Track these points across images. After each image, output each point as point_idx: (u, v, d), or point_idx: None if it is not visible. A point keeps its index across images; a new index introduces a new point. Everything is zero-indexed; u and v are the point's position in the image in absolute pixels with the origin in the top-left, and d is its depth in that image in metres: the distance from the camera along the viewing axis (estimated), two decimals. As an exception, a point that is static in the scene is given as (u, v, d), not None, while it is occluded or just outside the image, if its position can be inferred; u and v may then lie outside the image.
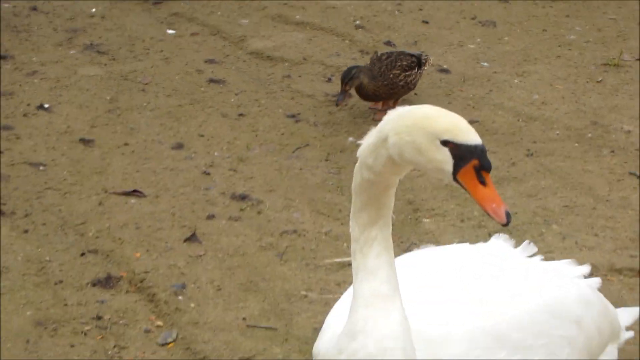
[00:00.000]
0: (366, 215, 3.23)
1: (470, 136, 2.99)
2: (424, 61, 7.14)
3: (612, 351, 3.99)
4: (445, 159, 2.99)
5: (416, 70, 7.01)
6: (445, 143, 2.98)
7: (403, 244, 5.52)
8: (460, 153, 2.98)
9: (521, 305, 3.56)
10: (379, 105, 7.11)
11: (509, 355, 3.44)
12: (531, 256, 4.01)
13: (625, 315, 4.16)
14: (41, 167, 6.24)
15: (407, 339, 3.20)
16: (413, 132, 3.00)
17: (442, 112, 3.05)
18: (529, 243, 4.03)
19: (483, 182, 3.00)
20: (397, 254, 3.40)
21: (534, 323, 3.54)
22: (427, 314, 3.44)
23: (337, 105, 6.91)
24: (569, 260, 4.13)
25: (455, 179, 3.01)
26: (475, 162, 2.98)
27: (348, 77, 6.73)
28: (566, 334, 3.60)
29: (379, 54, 7.11)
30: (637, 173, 6.36)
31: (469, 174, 3.00)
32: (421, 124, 3.01)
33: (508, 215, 2.99)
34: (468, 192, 3.02)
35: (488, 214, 3.01)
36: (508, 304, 3.54)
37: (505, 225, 3.02)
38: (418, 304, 3.44)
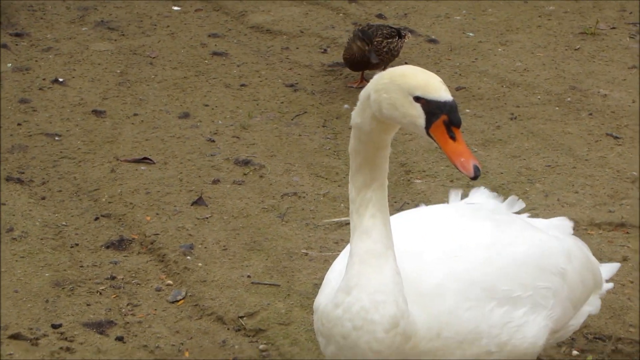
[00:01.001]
0: (362, 177, 3.24)
1: (440, 93, 3.02)
2: (403, 34, 7.04)
3: (594, 301, 3.95)
4: (418, 113, 3.03)
5: (397, 39, 6.90)
6: (417, 99, 3.02)
7: (397, 203, 5.46)
8: (431, 109, 3.01)
9: (508, 259, 3.51)
10: (355, 83, 6.95)
11: (498, 305, 3.41)
12: (518, 212, 3.95)
13: (606, 270, 4.11)
14: (56, 138, 6.18)
15: (399, 292, 3.19)
16: (390, 89, 3.05)
17: (417, 71, 3.07)
18: (516, 199, 3.97)
19: (453, 137, 3.02)
20: (390, 214, 3.36)
21: (521, 275, 3.49)
22: (420, 269, 3.40)
23: (374, 62, 6.65)
24: (560, 217, 4.07)
25: (428, 133, 3.04)
26: (444, 117, 3.00)
27: (369, 36, 6.64)
28: (551, 285, 3.56)
29: (361, 27, 7.00)
30: (614, 134, 6.30)
31: (439, 129, 3.03)
32: (397, 81, 3.05)
33: (476, 169, 3.02)
34: (439, 146, 3.04)
35: (457, 168, 3.04)
36: (496, 258, 3.49)
37: (474, 179, 3.04)
38: (412, 260, 3.41)
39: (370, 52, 6.60)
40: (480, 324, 3.34)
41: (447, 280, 3.36)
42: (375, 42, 6.70)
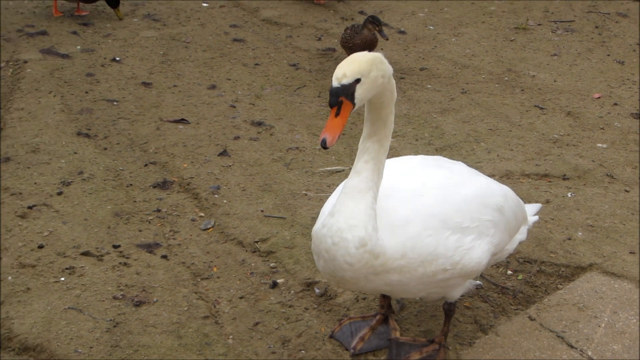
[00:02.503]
0: (365, 130, 3.25)
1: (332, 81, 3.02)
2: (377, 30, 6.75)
3: (523, 230, 3.95)
4: None
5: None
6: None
7: (374, 156, 5.42)
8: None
9: (461, 197, 3.48)
10: None
11: (452, 234, 3.39)
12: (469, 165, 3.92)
13: (532, 208, 4.11)
14: (115, 103, 6.09)
15: (369, 221, 3.17)
16: None
17: (344, 61, 3.05)
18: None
19: (336, 114, 3.02)
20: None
21: (470, 210, 3.47)
22: (393, 205, 3.37)
23: (386, 39, 6.44)
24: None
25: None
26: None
27: (378, 20, 6.40)
28: (492, 218, 3.54)
29: (350, 25, 6.76)
30: (540, 105, 6.25)
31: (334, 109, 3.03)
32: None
33: (323, 141, 2.99)
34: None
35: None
36: (451, 196, 3.46)
37: (324, 148, 3.00)
38: (387, 198, 3.39)
39: (381, 31, 6.37)
40: (437, 247, 3.32)
41: (413, 214, 3.33)
42: (366, 32, 6.46)
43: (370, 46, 6.43)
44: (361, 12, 8.01)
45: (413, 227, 3.30)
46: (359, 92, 3.02)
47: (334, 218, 3.19)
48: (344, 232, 3.16)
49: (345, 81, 2.99)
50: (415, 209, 3.34)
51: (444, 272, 3.37)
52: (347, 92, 2.99)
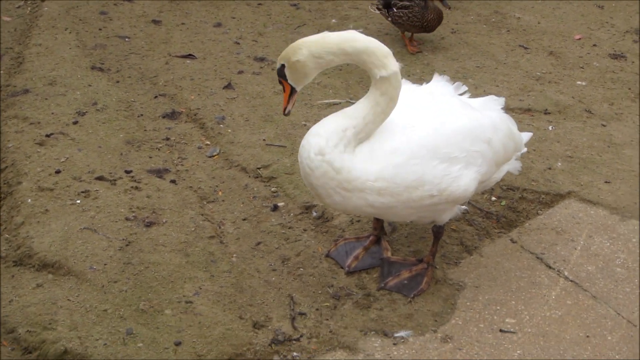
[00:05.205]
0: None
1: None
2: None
3: (513, 162, 3.81)
4: None
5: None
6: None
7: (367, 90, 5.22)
8: None
9: (450, 129, 3.36)
10: (415, 48, 5.82)
11: (440, 163, 3.29)
12: (461, 94, 3.75)
13: (525, 136, 3.94)
14: (126, 39, 5.86)
15: (332, 136, 3.17)
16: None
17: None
18: (461, 84, 3.76)
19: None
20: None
21: (458, 141, 3.35)
22: (387, 135, 3.27)
23: (449, 8, 5.66)
24: (491, 95, 3.85)
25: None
26: None
27: None
28: (479, 149, 3.43)
29: (402, 5, 5.72)
30: (524, 45, 6.04)
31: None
32: None
33: (285, 111, 3.35)
34: None
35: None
36: (441, 128, 3.34)
37: (286, 115, 3.36)
38: (382, 129, 3.29)
39: (444, 0, 5.62)
40: (424, 175, 3.23)
41: (403, 144, 3.23)
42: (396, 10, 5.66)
43: (440, 18, 5.69)
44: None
45: (400, 156, 3.21)
46: (289, 75, 3.23)
47: (309, 132, 3.27)
48: (309, 137, 3.23)
49: (278, 65, 3.23)
50: (406, 140, 3.25)
51: (431, 197, 3.29)
52: (281, 74, 3.23)
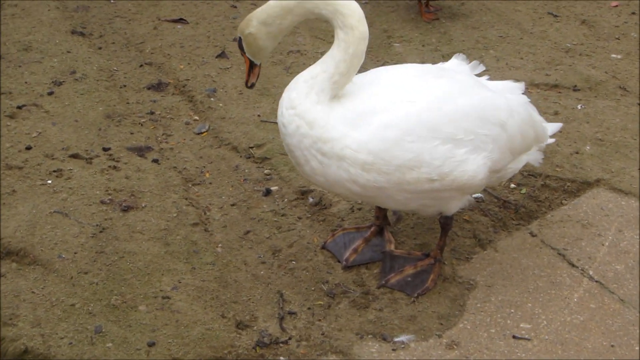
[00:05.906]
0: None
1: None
2: None
3: (534, 153, 3.60)
4: None
5: None
6: None
7: (379, 62, 5.02)
8: None
9: (454, 108, 3.16)
10: (430, 15, 5.61)
11: (442, 144, 3.11)
12: (479, 74, 3.54)
13: (551, 127, 3.73)
14: (112, 1, 5.71)
15: (304, 88, 3.13)
16: None
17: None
18: (478, 63, 3.55)
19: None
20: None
21: (464, 122, 3.15)
22: (383, 108, 3.10)
23: None
24: (513, 80, 3.66)
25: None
26: None
27: None
28: (490, 132, 3.23)
29: None
30: (554, 13, 5.79)
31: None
32: None
33: (247, 84, 3.46)
34: None
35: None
36: (444, 106, 3.15)
37: (249, 88, 3.49)
38: (379, 100, 3.13)
39: None
40: (421, 155, 3.06)
41: (399, 118, 3.06)
42: None
43: None
44: None
45: (393, 130, 3.04)
46: (246, 49, 3.30)
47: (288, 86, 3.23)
48: (286, 93, 3.19)
49: (237, 37, 3.31)
50: (404, 115, 3.07)
51: (431, 182, 3.12)
52: (240, 46, 3.32)
